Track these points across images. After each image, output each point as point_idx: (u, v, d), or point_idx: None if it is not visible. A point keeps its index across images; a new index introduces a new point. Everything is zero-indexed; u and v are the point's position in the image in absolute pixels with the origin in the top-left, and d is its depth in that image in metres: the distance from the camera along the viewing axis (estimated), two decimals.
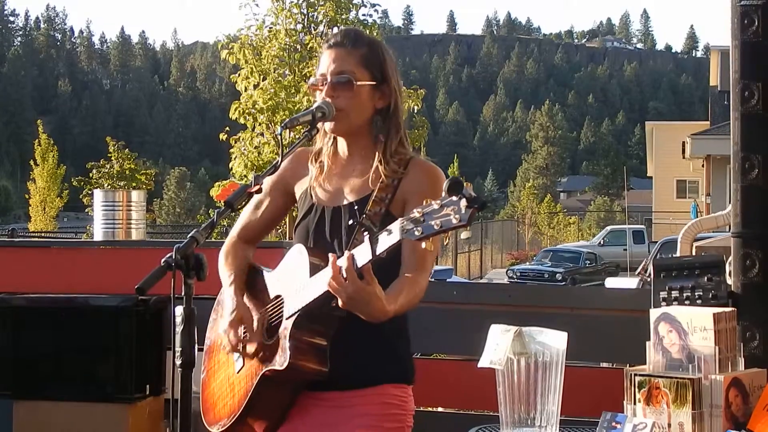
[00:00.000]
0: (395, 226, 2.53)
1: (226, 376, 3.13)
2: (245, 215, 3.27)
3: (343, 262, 2.70)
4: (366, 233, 2.65)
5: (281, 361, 2.86)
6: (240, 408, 3.01)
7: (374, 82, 3.08)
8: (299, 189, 3.22)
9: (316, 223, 3.11)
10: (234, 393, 3.06)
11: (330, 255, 2.76)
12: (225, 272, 3.17)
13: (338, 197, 3.11)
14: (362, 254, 2.66)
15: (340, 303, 2.73)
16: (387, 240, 2.57)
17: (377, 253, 2.61)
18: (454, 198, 2.41)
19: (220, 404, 3.12)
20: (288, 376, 2.89)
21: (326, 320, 2.88)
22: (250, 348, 3.01)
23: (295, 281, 2.91)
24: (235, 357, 3.09)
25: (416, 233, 2.46)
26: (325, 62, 3.10)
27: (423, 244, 2.49)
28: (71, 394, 5.23)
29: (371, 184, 3.05)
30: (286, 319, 2.89)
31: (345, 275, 2.69)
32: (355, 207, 3.03)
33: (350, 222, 2.96)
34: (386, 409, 3.04)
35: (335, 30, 18.37)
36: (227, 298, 3.10)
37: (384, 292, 2.78)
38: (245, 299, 3.09)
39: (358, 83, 3.05)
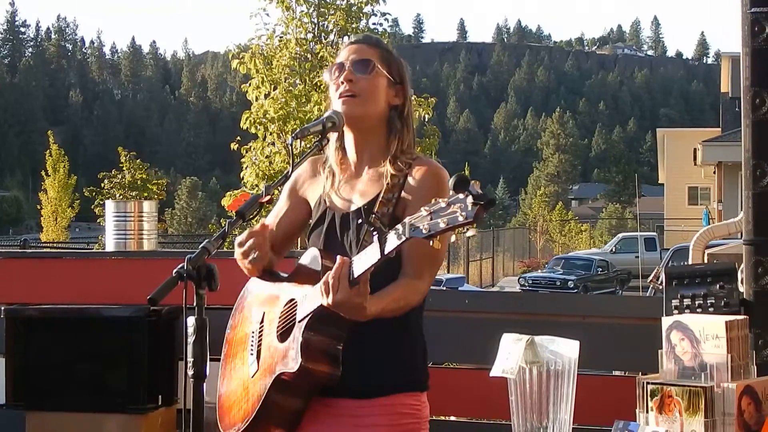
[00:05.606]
0: (403, 225, 2.53)
1: (241, 381, 3.12)
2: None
3: (336, 268, 2.72)
4: (375, 233, 2.65)
5: (293, 363, 2.85)
6: (253, 412, 2.99)
7: (391, 78, 3.13)
8: (312, 197, 3.24)
9: (327, 229, 3.12)
10: (248, 397, 3.05)
11: (338, 257, 2.77)
12: None
13: (349, 202, 3.13)
14: (371, 255, 2.66)
15: (325, 303, 2.74)
16: (395, 239, 2.57)
17: (386, 252, 2.60)
18: (461, 195, 2.41)
19: (235, 408, 3.11)
20: (300, 378, 2.88)
21: (339, 323, 2.85)
22: (265, 351, 3.01)
23: (308, 285, 2.92)
24: (250, 361, 3.09)
25: (423, 231, 2.46)
26: (344, 54, 3.15)
27: (431, 243, 2.49)
28: (83, 405, 5.22)
29: (378, 185, 3.07)
30: (299, 322, 2.90)
31: (337, 282, 2.70)
32: (364, 209, 3.05)
33: (359, 222, 2.98)
34: (399, 419, 3.04)
35: (346, 39, 18.48)
36: None
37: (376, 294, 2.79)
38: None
39: (378, 68, 3.10)
